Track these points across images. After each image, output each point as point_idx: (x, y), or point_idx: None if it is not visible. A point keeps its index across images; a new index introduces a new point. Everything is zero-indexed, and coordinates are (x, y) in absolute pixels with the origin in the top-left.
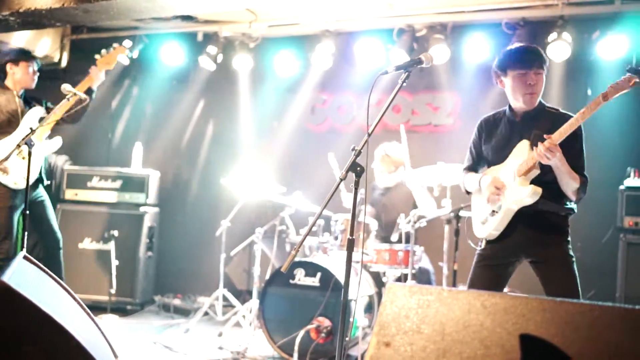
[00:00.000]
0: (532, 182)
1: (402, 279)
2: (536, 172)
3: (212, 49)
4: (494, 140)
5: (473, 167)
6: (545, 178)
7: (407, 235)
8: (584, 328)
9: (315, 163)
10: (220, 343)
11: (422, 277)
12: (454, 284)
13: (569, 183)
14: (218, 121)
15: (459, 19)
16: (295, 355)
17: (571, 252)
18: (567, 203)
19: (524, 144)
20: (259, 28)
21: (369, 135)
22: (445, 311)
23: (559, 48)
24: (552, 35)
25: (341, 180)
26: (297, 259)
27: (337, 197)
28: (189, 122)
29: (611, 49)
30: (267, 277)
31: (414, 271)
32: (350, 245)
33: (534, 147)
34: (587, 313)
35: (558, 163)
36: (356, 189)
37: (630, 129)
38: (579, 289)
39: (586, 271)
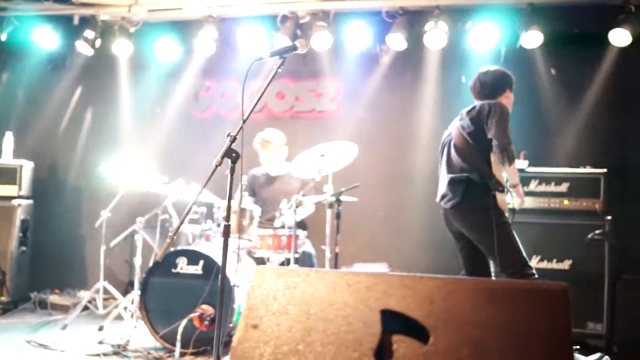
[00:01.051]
0: None
1: (285, 263)
2: None
3: (89, 33)
4: None
5: None
6: None
7: (290, 220)
8: (439, 301)
9: (200, 150)
10: (101, 337)
11: (305, 260)
12: (336, 267)
13: None
14: (97, 108)
15: (341, 6)
16: (178, 344)
17: None
18: None
19: None
20: (139, 12)
21: (244, 121)
22: (311, 291)
23: (435, 37)
24: (429, 24)
25: (216, 166)
26: (179, 248)
27: (222, 184)
28: (65, 110)
29: (482, 39)
30: (149, 267)
31: (297, 255)
32: (227, 231)
33: None
34: (443, 287)
35: None
36: (232, 175)
37: (515, 112)
38: None
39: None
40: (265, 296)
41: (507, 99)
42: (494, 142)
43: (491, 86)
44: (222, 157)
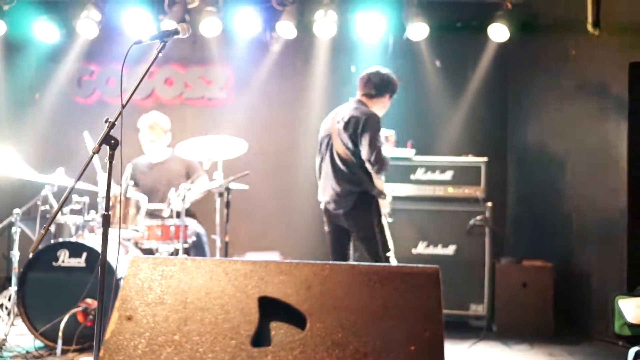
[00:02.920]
0: None
1: (174, 254)
2: None
3: None
4: None
5: None
6: None
7: (179, 210)
8: (316, 286)
9: (83, 138)
10: None
11: (196, 243)
12: (226, 256)
13: None
14: None
15: None
16: (60, 341)
17: None
18: None
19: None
20: None
21: (123, 106)
22: (189, 280)
23: (325, 26)
24: (319, 13)
25: (94, 153)
26: (60, 240)
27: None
28: None
29: (370, 29)
30: (27, 261)
31: (186, 245)
32: (106, 221)
33: None
34: (319, 272)
35: None
36: (111, 162)
37: (402, 102)
38: None
39: None
40: (140, 286)
41: (383, 104)
42: (366, 163)
43: (376, 86)
44: (100, 144)
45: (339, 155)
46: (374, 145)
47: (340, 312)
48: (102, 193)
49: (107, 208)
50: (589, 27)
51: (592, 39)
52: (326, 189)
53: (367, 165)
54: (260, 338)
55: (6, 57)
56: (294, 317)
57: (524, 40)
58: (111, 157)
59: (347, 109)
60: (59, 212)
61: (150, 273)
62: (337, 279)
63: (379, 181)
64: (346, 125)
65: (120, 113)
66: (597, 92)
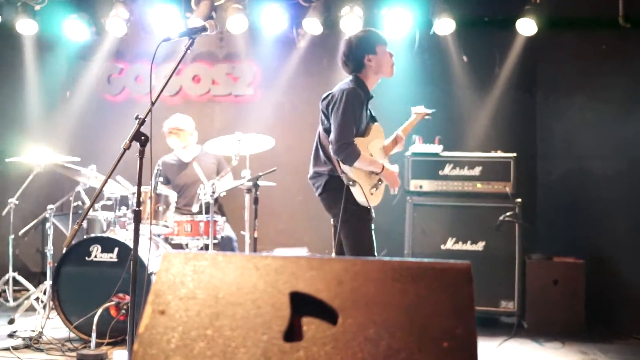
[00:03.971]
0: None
1: (204, 249)
2: None
3: None
4: (362, 115)
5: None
6: None
7: (208, 205)
8: (347, 282)
9: (113, 135)
10: (12, 330)
11: (226, 245)
12: (255, 252)
13: None
14: (1, 91)
15: None
16: (94, 334)
17: None
18: None
19: (379, 127)
20: None
21: (153, 104)
22: (220, 275)
23: (351, 21)
24: (345, 9)
25: (124, 150)
26: (92, 235)
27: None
28: None
29: (396, 25)
30: (61, 256)
31: (215, 241)
32: (137, 217)
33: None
34: (350, 268)
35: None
36: (141, 159)
37: (412, 100)
38: None
39: (379, 232)
40: (172, 281)
41: (376, 65)
42: (329, 144)
43: (348, 56)
44: (131, 141)
45: (319, 135)
46: (342, 127)
47: (372, 308)
48: (133, 190)
49: (138, 204)
50: (620, 21)
51: (623, 33)
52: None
53: (330, 148)
54: (292, 333)
55: (38, 56)
56: (325, 313)
57: (553, 35)
58: (141, 154)
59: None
60: (91, 208)
61: (182, 268)
62: (369, 275)
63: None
64: (322, 101)
65: (149, 110)
66: (628, 87)
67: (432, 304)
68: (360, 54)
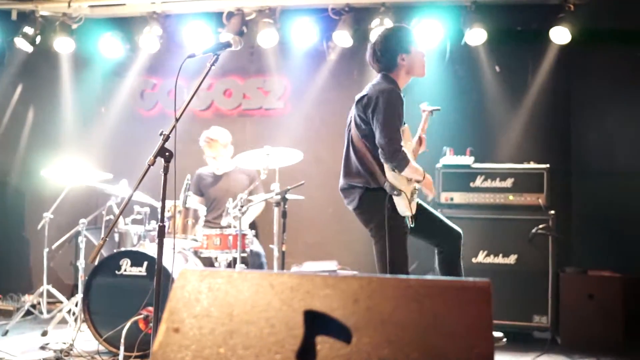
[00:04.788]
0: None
1: (232, 263)
2: None
3: (28, 29)
4: (403, 118)
5: None
6: None
7: (237, 219)
8: (362, 300)
9: (146, 149)
10: (44, 342)
11: (254, 260)
12: (283, 266)
13: None
14: (39, 107)
15: (287, 3)
16: (122, 347)
17: None
18: None
19: (408, 129)
20: (79, 8)
21: (177, 120)
22: (235, 293)
23: None
24: (375, 22)
25: (149, 166)
26: (122, 249)
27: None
28: (5, 109)
29: (427, 36)
30: (92, 269)
31: (244, 255)
32: (161, 233)
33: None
34: (366, 286)
35: None
36: (165, 174)
37: (444, 112)
38: None
39: (410, 245)
40: (187, 299)
41: (409, 64)
42: (379, 150)
43: (384, 54)
44: (155, 157)
45: (353, 144)
46: (390, 132)
47: (387, 327)
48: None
49: (162, 219)
50: None
51: None
52: (341, 179)
53: (379, 152)
54: (306, 352)
55: (75, 73)
56: (340, 332)
57: (588, 44)
58: (166, 169)
59: (366, 88)
60: (117, 223)
61: (198, 285)
62: (385, 293)
63: (393, 173)
64: (360, 100)
65: (174, 126)
66: None
67: (450, 323)
68: (394, 53)
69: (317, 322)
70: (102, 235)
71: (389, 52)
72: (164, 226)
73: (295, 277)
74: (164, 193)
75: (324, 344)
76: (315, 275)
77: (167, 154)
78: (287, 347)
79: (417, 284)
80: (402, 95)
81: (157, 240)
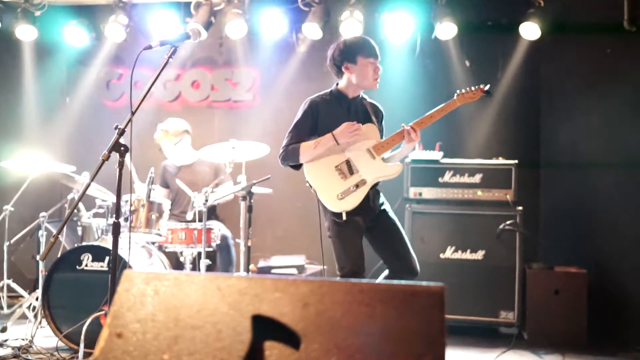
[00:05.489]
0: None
1: (197, 259)
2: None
3: None
4: (333, 120)
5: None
6: None
7: (202, 213)
8: (312, 304)
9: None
10: (3, 338)
11: (222, 244)
12: (249, 260)
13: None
14: (0, 97)
15: None
16: (82, 344)
17: None
18: None
19: (373, 128)
20: None
21: (133, 113)
22: (182, 296)
23: (351, 26)
24: (345, 14)
25: (103, 161)
26: (83, 244)
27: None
28: None
29: (397, 29)
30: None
31: (210, 249)
32: (116, 229)
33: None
34: (317, 290)
35: (414, 144)
36: (120, 169)
37: (414, 105)
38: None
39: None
40: (132, 302)
41: (354, 75)
42: None
43: (331, 62)
44: (110, 151)
45: None
46: (287, 136)
47: (337, 333)
48: (125, 197)
49: (118, 215)
50: (625, 25)
51: (629, 36)
52: None
53: None
54: (253, 358)
55: (38, 62)
56: (288, 337)
57: (557, 39)
58: (121, 164)
59: None
60: (74, 217)
61: (143, 288)
62: (336, 297)
63: (305, 168)
64: None
65: (130, 120)
66: (634, 92)
67: (401, 329)
68: (340, 61)
69: (265, 327)
70: (69, 228)
71: (336, 60)
72: (119, 223)
73: (244, 279)
74: (118, 188)
75: (272, 349)
76: (265, 278)
77: (122, 148)
78: (234, 353)
79: (369, 288)
80: (326, 100)
81: (126, 234)
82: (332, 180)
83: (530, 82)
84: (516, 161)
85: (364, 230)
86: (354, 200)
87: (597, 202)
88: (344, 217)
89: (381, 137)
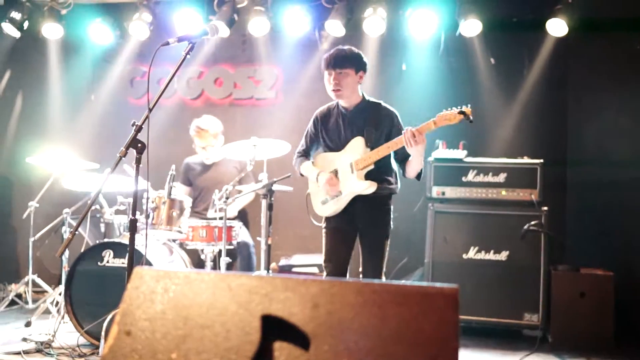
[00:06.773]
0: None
1: (218, 256)
2: (371, 167)
3: (16, 14)
4: (330, 132)
5: (306, 152)
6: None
7: (223, 211)
8: (323, 305)
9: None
10: (28, 333)
11: (242, 250)
12: (269, 259)
13: (417, 166)
14: (27, 94)
15: None
16: (102, 340)
17: (388, 232)
18: (389, 185)
19: (359, 141)
20: None
21: (150, 110)
22: (192, 295)
23: (374, 23)
24: (369, 11)
25: (120, 157)
26: (105, 240)
27: (160, 173)
28: None
29: (421, 26)
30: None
31: (231, 247)
32: (133, 226)
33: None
34: (327, 290)
35: (420, 149)
36: (137, 165)
37: (438, 104)
38: (383, 264)
39: (400, 239)
40: (142, 300)
41: (325, 82)
42: None
43: None
44: (127, 148)
45: None
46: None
47: (348, 335)
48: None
49: (134, 212)
50: None
51: None
52: None
53: None
54: (262, 359)
55: (63, 59)
56: (298, 338)
57: (585, 36)
58: (138, 161)
59: None
60: (85, 215)
61: (153, 286)
62: (347, 298)
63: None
64: None
65: (147, 117)
66: None
67: (413, 332)
68: None
69: (274, 328)
70: (93, 224)
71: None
72: (136, 220)
73: (255, 279)
74: (136, 185)
75: (281, 350)
76: (275, 278)
77: (139, 145)
78: (242, 354)
79: (381, 289)
80: (324, 112)
81: (145, 231)
82: (311, 186)
83: (557, 79)
84: (541, 160)
85: (351, 232)
86: (333, 208)
87: (624, 203)
88: (323, 221)
89: (380, 143)
